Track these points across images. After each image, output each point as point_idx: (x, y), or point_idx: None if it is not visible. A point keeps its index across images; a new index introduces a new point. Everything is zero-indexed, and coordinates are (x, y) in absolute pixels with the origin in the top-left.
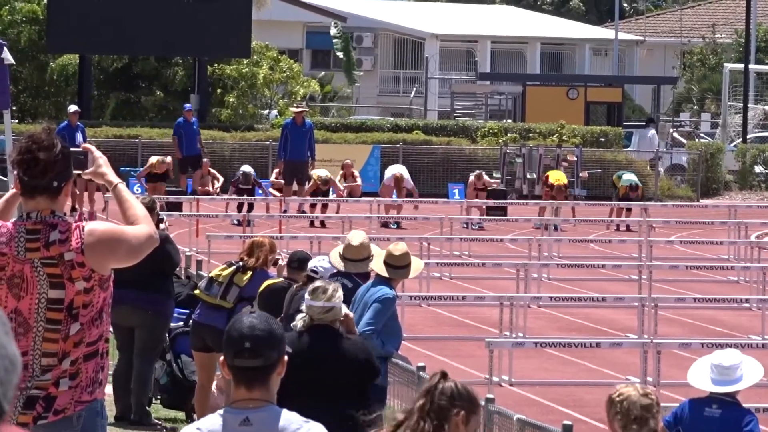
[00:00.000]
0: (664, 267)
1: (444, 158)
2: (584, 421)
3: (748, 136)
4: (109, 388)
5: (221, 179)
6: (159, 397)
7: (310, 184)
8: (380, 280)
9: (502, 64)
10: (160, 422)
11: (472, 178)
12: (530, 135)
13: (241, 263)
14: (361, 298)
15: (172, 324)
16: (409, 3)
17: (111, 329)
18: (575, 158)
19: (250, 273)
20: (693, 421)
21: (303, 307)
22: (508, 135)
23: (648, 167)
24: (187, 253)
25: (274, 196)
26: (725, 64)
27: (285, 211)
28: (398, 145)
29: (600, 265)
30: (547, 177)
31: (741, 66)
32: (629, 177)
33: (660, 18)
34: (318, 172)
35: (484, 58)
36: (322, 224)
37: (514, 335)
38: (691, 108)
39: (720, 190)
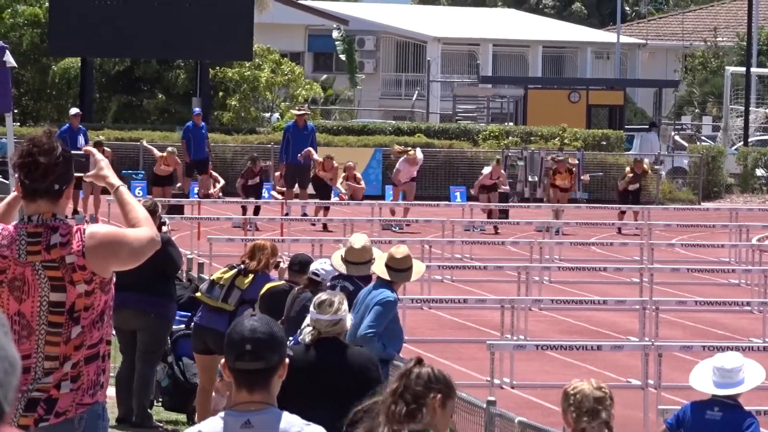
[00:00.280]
0: (666, 270)
1: (446, 161)
2: None
3: (749, 140)
4: (111, 391)
5: (222, 181)
6: (160, 399)
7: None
8: (382, 283)
9: (504, 67)
10: (161, 424)
11: (488, 169)
12: (532, 138)
13: (242, 266)
14: (363, 301)
15: (173, 327)
16: (410, 6)
17: (113, 332)
18: (576, 161)
19: (251, 276)
20: (695, 423)
21: (308, 321)
22: (510, 138)
23: (650, 171)
24: (189, 256)
25: (276, 198)
26: (727, 68)
27: (287, 214)
28: None
29: (601, 268)
30: (554, 178)
31: (743, 69)
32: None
33: (662, 21)
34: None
35: (486, 61)
36: (324, 227)
37: (515, 338)
38: (692, 111)
39: (721, 193)
